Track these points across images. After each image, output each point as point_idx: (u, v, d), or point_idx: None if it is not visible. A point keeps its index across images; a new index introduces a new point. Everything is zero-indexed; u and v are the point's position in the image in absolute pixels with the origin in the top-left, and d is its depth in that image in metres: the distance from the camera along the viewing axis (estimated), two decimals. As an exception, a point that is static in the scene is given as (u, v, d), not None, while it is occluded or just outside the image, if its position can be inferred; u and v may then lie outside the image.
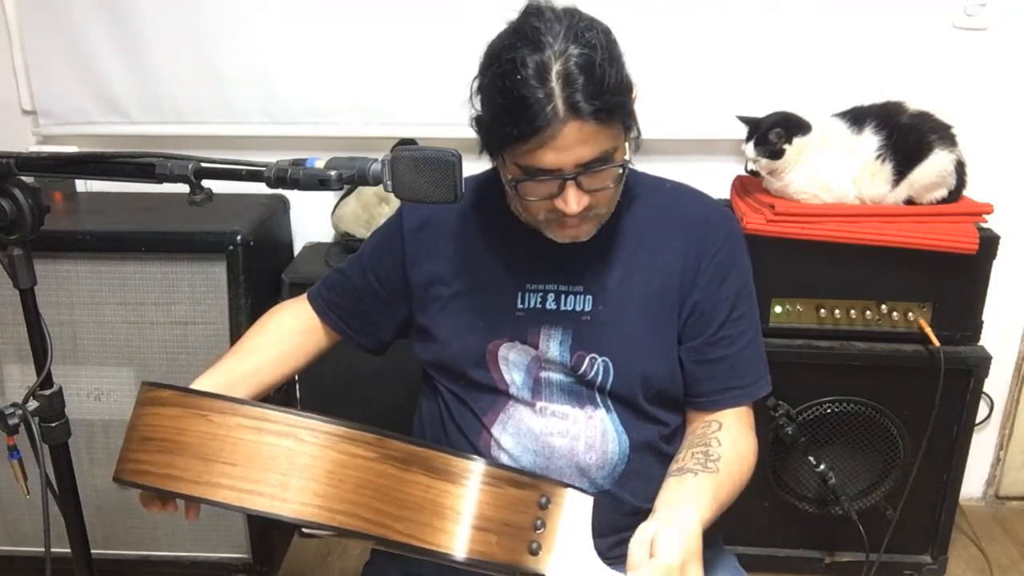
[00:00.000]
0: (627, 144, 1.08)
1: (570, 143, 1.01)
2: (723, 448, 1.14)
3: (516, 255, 1.21)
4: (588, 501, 0.99)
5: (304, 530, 1.06)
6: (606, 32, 1.05)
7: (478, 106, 1.09)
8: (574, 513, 0.98)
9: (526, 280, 1.20)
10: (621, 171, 1.08)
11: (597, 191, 1.07)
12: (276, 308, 1.36)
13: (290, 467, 0.89)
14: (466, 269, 1.22)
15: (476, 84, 1.08)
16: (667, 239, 1.20)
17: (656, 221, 1.21)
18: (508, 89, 1.00)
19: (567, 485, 0.99)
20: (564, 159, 1.02)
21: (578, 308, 1.19)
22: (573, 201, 1.05)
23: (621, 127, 1.05)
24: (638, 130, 1.11)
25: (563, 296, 1.19)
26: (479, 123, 1.09)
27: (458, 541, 0.89)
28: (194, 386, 1.15)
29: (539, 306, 1.19)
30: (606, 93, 1.00)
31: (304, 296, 1.37)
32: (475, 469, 0.91)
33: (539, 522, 0.94)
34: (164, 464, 0.92)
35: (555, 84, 0.99)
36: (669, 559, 0.92)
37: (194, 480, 0.90)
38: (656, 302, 1.19)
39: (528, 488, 0.94)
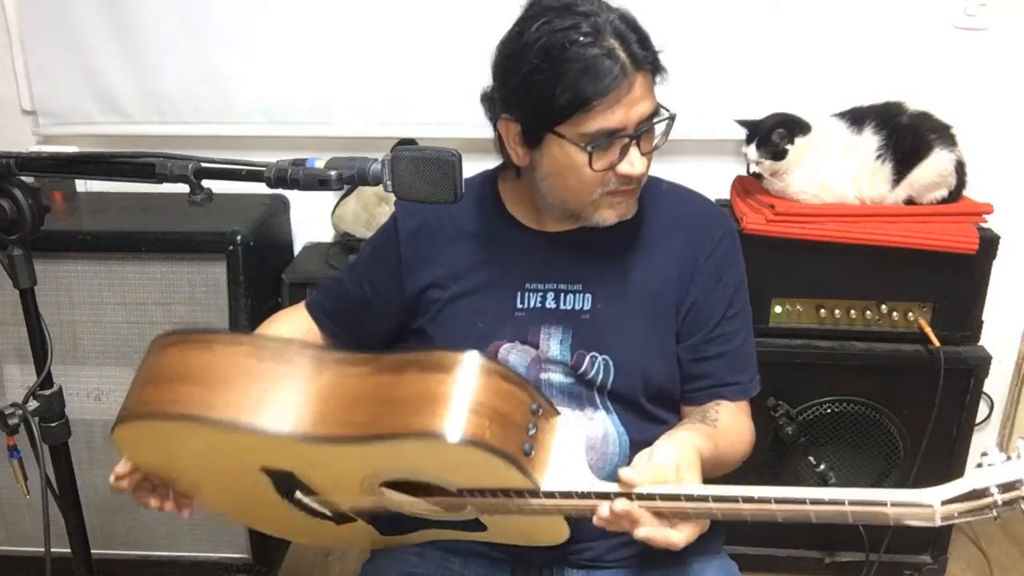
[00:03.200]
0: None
1: (637, 97, 1.05)
2: (720, 416, 1.16)
3: (513, 256, 1.21)
4: (581, 429, 1.03)
5: (293, 497, 1.05)
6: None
7: (499, 105, 1.11)
8: (566, 434, 0.99)
9: (525, 280, 1.20)
10: (670, 122, 1.11)
11: (648, 154, 1.10)
12: (273, 317, 1.37)
13: (287, 388, 0.93)
14: (463, 272, 1.22)
15: (508, 77, 1.09)
16: (664, 239, 1.21)
17: (653, 221, 1.22)
18: (570, 55, 1.02)
19: (558, 410, 1.00)
20: (631, 116, 1.05)
21: (578, 307, 1.19)
22: (639, 160, 1.08)
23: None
24: (671, 112, 1.14)
25: (562, 295, 1.20)
26: (523, 109, 1.09)
27: (451, 423, 0.88)
28: None
29: (539, 305, 1.20)
30: (651, 45, 1.07)
31: (300, 305, 1.37)
32: (467, 359, 0.92)
33: (531, 425, 0.94)
34: (165, 396, 0.95)
35: (614, 40, 1.03)
36: (664, 461, 0.94)
37: (194, 402, 0.93)
38: (654, 301, 1.20)
39: (518, 386, 0.95)
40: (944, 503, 0.84)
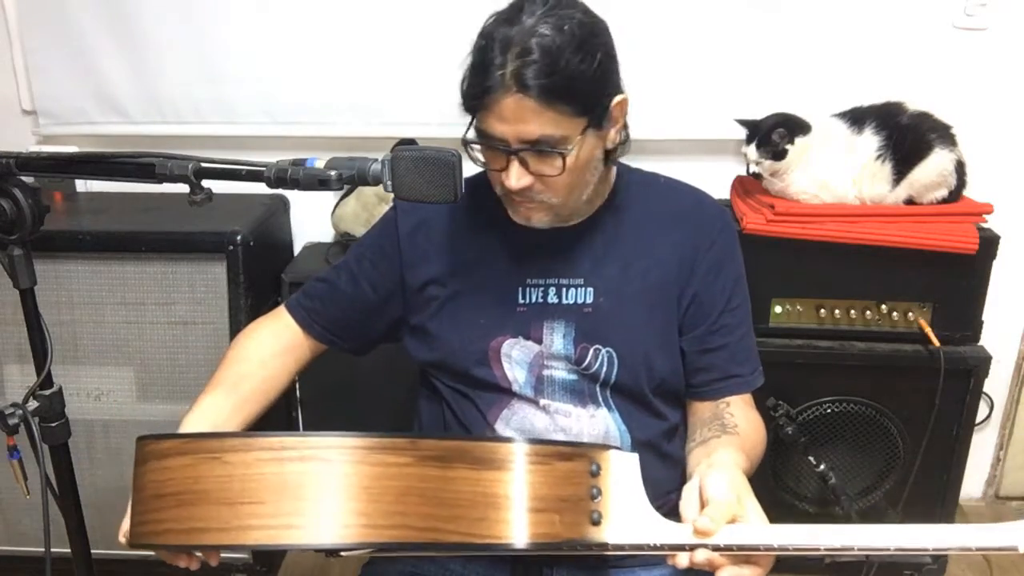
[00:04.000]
0: (584, 136, 1.07)
1: (512, 115, 1.03)
2: (736, 419, 1.17)
3: (514, 251, 1.21)
4: (634, 459, 0.97)
5: (342, 552, 0.97)
6: (593, 27, 1.06)
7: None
8: (623, 474, 0.95)
9: (526, 275, 1.20)
10: (562, 160, 1.07)
11: (543, 176, 1.08)
12: (250, 329, 1.31)
13: (322, 491, 0.83)
14: (463, 268, 1.22)
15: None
16: (663, 232, 1.22)
17: (651, 215, 1.23)
18: (475, 53, 1.05)
19: (608, 447, 0.97)
20: (508, 131, 1.04)
21: (579, 301, 1.19)
22: (513, 176, 1.07)
23: (575, 117, 1.05)
24: (626, 134, 1.14)
25: (564, 289, 1.20)
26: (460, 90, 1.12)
27: (517, 528, 0.85)
28: (183, 429, 1.11)
29: (540, 300, 1.20)
30: (558, 75, 1.01)
31: (277, 313, 1.32)
32: (519, 451, 0.88)
33: (595, 491, 0.91)
34: (185, 518, 0.85)
35: (511, 55, 1.02)
36: (724, 496, 0.92)
37: (222, 528, 0.84)
38: (655, 294, 1.20)
39: (576, 459, 0.91)
40: None
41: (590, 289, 1.19)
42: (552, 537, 0.86)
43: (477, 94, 1.04)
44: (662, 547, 0.91)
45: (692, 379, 1.23)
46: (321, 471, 0.83)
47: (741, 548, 0.88)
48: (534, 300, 1.20)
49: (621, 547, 0.92)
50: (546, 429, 1.18)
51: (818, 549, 0.85)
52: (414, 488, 0.83)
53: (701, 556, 0.89)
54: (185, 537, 0.86)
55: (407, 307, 1.26)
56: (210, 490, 0.84)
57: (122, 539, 1.01)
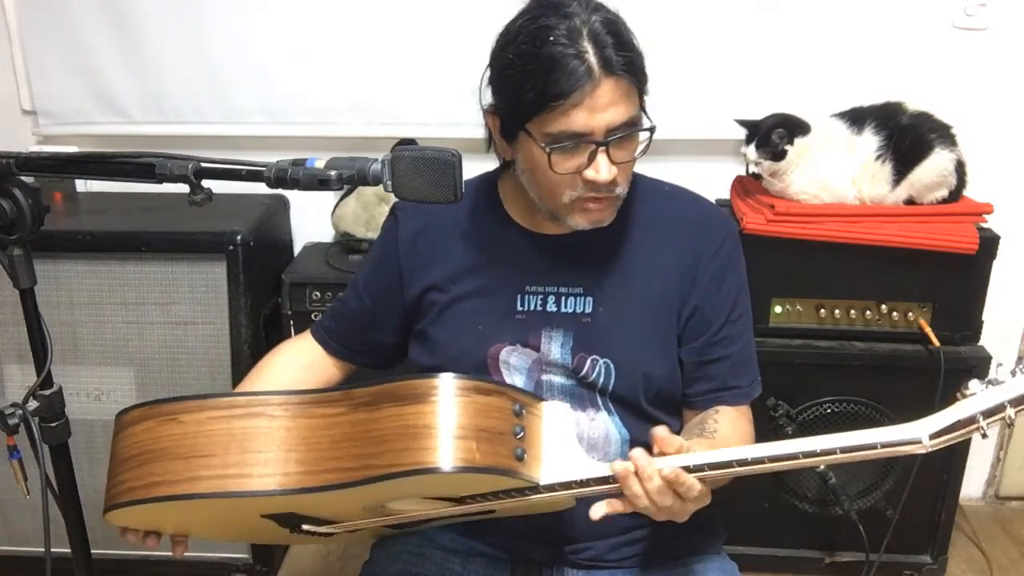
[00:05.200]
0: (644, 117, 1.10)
1: (604, 103, 1.03)
2: (720, 425, 1.16)
3: (514, 258, 1.21)
4: (565, 407, 1.01)
5: (301, 528, 1.05)
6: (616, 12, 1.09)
7: (489, 96, 1.11)
8: (553, 419, 0.99)
9: (525, 283, 1.20)
10: (648, 138, 1.09)
11: (623, 164, 1.08)
12: (279, 347, 1.36)
13: (266, 444, 0.91)
14: (463, 274, 1.21)
15: (492, 69, 1.10)
16: (665, 241, 1.21)
17: (654, 224, 1.22)
18: (541, 54, 1.02)
19: (541, 398, 1.00)
20: (597, 121, 1.03)
21: (578, 310, 1.19)
22: (604, 168, 1.06)
23: (641, 97, 1.08)
24: (652, 124, 1.12)
25: (563, 298, 1.19)
26: (500, 103, 1.10)
27: (440, 454, 0.88)
28: None
29: (539, 308, 1.19)
30: (632, 52, 1.05)
31: (304, 334, 1.37)
32: (439, 384, 0.91)
33: (518, 429, 0.94)
34: (145, 475, 0.93)
35: (587, 43, 1.02)
36: (661, 465, 0.93)
37: (175, 480, 0.91)
38: (656, 304, 1.19)
39: (495, 395, 0.94)
40: (932, 437, 0.89)
41: (589, 298, 1.19)
42: (472, 463, 0.89)
43: (562, 92, 1.01)
44: (587, 482, 0.96)
45: (688, 388, 1.22)
46: (265, 426, 0.92)
47: (665, 476, 0.92)
48: (533, 308, 1.19)
49: (551, 486, 0.95)
50: None
51: (731, 465, 0.91)
52: (347, 434, 0.91)
53: (619, 466, 0.93)
54: (143, 492, 0.93)
55: (410, 315, 1.26)
56: (167, 447, 0.93)
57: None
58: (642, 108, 1.10)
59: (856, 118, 1.80)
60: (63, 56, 2.07)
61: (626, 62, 1.03)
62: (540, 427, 0.98)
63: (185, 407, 0.94)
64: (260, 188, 0.94)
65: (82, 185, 2.15)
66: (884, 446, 0.90)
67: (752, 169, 1.82)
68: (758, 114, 1.81)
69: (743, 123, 1.82)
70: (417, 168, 0.89)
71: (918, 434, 0.89)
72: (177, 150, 0.96)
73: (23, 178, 0.99)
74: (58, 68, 2.08)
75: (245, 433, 0.92)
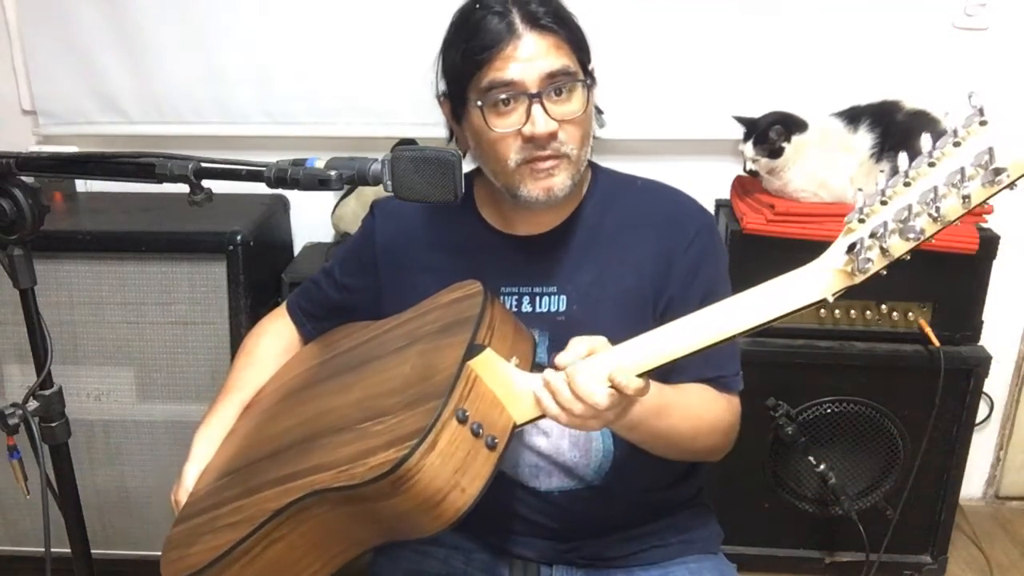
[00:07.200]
0: (584, 84, 1.11)
1: (529, 54, 1.06)
2: (688, 387, 1.14)
3: (488, 259, 1.21)
4: (488, 352, 0.99)
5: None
6: None
7: (443, 83, 1.16)
8: (489, 373, 0.99)
9: (500, 284, 1.19)
10: (583, 91, 1.10)
11: (565, 122, 1.09)
12: (256, 331, 1.38)
13: (289, 563, 1.00)
14: (440, 276, 1.20)
15: (441, 51, 1.15)
16: (638, 237, 1.20)
17: (627, 219, 1.21)
18: (469, 21, 1.09)
19: (470, 356, 0.99)
20: (527, 72, 1.06)
21: (553, 309, 1.19)
22: (541, 120, 1.07)
23: (575, 55, 1.10)
24: (602, 120, 1.17)
25: (538, 297, 1.19)
26: (445, 82, 1.14)
27: (441, 522, 0.90)
28: (197, 437, 1.22)
29: (515, 308, 1.19)
30: (556, 6, 1.09)
31: (280, 311, 1.38)
32: (404, 473, 0.88)
33: (475, 426, 0.93)
34: None
35: (512, 5, 1.07)
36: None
37: None
38: (630, 300, 1.18)
39: (446, 431, 0.91)
40: (835, 295, 0.92)
41: (563, 297, 1.18)
42: (470, 496, 0.91)
43: (486, 46, 1.06)
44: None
45: (664, 380, 1.19)
46: (282, 549, 0.99)
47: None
48: (509, 308, 1.18)
49: (519, 425, 0.98)
50: (527, 431, 1.17)
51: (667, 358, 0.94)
52: (354, 517, 0.96)
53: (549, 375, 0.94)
54: None
55: (387, 312, 1.25)
56: None
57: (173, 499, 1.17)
58: (583, 67, 1.12)
59: (852, 116, 1.80)
60: (63, 56, 2.07)
61: (550, 16, 1.07)
62: (485, 390, 0.98)
63: (219, 569, 1.00)
64: (260, 188, 0.94)
65: (82, 185, 2.15)
66: (794, 311, 0.98)
67: (750, 166, 1.82)
68: (758, 114, 1.81)
69: (741, 120, 1.82)
70: (417, 168, 0.89)
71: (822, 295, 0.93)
72: (177, 150, 0.96)
73: (23, 178, 0.99)
74: (58, 68, 2.08)
75: (274, 565, 1.00)
